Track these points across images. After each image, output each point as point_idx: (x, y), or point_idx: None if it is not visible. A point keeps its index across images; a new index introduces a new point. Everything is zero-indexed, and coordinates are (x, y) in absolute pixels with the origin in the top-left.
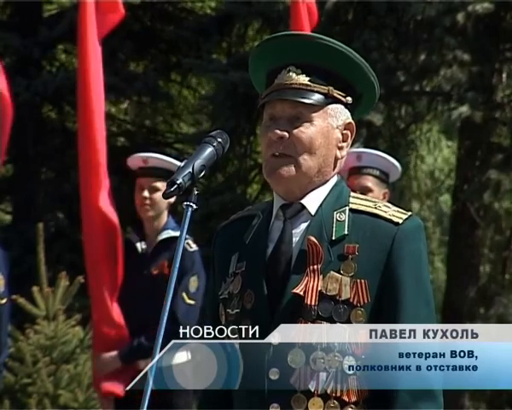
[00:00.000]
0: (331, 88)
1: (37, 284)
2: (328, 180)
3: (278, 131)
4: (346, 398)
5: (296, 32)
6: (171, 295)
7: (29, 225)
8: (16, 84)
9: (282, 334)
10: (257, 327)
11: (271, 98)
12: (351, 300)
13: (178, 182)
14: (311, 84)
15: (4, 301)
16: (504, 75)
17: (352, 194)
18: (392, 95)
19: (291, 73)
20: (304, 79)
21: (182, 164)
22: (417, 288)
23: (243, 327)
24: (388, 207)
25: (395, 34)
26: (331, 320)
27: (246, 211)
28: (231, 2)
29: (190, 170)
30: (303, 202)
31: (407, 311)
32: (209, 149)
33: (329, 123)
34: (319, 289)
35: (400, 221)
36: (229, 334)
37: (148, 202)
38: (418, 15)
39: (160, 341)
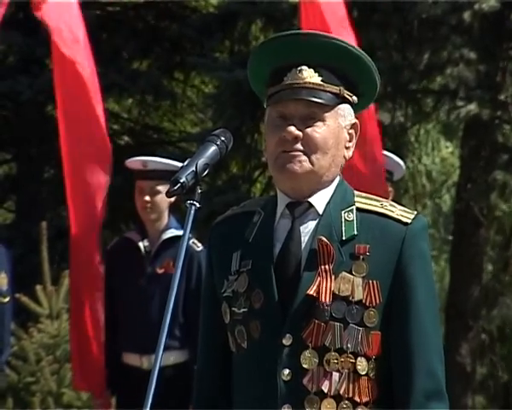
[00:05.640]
0: (342, 88)
1: (41, 282)
2: (333, 180)
3: (294, 130)
4: (357, 399)
5: (307, 32)
6: (174, 294)
7: (32, 224)
8: (19, 82)
9: (295, 335)
10: (267, 327)
11: (284, 97)
12: (363, 301)
13: (182, 181)
14: (324, 83)
15: (7, 299)
16: (508, 74)
17: (356, 193)
18: (398, 93)
19: (303, 73)
20: (316, 78)
21: (185, 163)
22: (427, 286)
23: (252, 327)
24: (394, 206)
25: (401, 33)
26: (344, 321)
27: (241, 207)
28: (235, 1)
29: (194, 169)
30: (311, 200)
31: (419, 310)
32: (212, 148)
33: (339, 123)
34: (332, 289)
35: (409, 221)
36: (237, 335)
37: (149, 205)
38: (424, 14)
39: (164, 340)
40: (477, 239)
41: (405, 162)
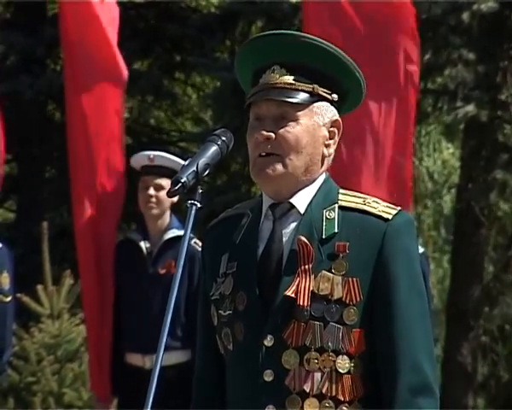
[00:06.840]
0: (316, 86)
1: (42, 282)
2: (316, 178)
3: (264, 132)
4: (340, 397)
5: (280, 31)
6: (175, 294)
7: (33, 224)
8: (20, 82)
9: (276, 335)
10: (250, 329)
11: (256, 98)
12: (343, 299)
13: (183, 180)
14: (296, 82)
15: (9, 299)
16: (509, 74)
17: (341, 191)
18: None
19: (275, 73)
20: (288, 78)
21: (186, 162)
22: (410, 283)
23: (236, 329)
24: (378, 203)
25: None
26: (324, 320)
27: (234, 209)
28: (235, 1)
29: (194, 168)
30: (292, 201)
31: (401, 306)
32: (213, 148)
33: (315, 121)
34: (311, 289)
35: (390, 217)
36: (223, 338)
37: (153, 200)
38: (423, 14)
39: (164, 340)
40: (478, 239)
41: None
